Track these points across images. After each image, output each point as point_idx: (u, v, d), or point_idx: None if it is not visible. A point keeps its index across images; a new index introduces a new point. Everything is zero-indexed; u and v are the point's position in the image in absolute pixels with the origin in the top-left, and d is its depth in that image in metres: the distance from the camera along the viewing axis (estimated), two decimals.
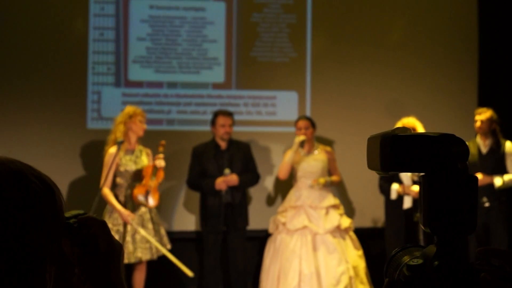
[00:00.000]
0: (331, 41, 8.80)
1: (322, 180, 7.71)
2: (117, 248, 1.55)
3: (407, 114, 7.74)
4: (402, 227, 7.50)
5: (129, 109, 7.36)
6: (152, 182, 7.27)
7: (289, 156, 7.83)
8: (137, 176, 7.31)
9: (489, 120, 7.58)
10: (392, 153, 1.35)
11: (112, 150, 7.21)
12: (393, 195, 7.53)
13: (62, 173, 7.74)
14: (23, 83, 8.22)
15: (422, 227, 1.39)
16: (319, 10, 8.78)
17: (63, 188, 7.67)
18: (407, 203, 7.44)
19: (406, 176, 7.47)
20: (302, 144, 7.78)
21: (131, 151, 7.34)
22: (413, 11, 8.93)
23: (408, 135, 1.36)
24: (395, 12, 8.93)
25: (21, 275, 1.37)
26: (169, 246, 7.44)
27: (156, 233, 7.34)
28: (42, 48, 8.28)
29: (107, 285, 1.53)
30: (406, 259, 1.42)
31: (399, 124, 7.31)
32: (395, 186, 7.51)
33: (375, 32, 8.82)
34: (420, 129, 7.36)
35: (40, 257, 1.39)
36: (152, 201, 7.29)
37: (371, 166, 1.43)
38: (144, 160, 7.37)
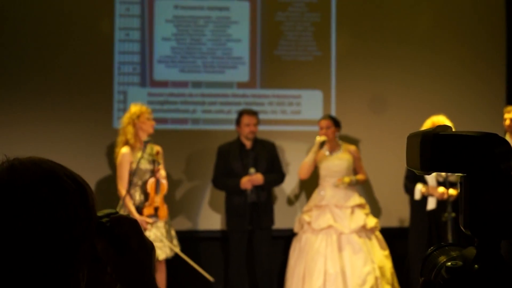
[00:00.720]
0: (355, 39, 8.75)
1: (347, 179, 7.67)
2: (149, 247, 1.57)
3: (433, 112, 7.68)
4: (425, 228, 7.43)
5: (135, 109, 7.32)
6: (157, 197, 7.26)
7: (309, 156, 7.80)
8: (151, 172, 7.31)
9: None
10: (432, 152, 1.32)
11: (124, 150, 7.21)
12: (417, 196, 7.45)
13: (88, 172, 7.75)
14: (51, 83, 8.27)
15: (462, 228, 1.36)
16: (344, 8, 8.74)
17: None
18: (431, 204, 7.36)
19: (430, 177, 7.40)
20: (322, 144, 7.74)
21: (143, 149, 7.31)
22: (439, 7, 8.85)
23: (449, 134, 1.32)
24: (421, 9, 8.86)
25: (55, 274, 1.38)
26: (177, 249, 7.42)
27: (167, 233, 7.33)
28: (68, 48, 8.32)
29: (139, 283, 1.55)
30: (442, 259, 1.39)
31: (428, 122, 7.26)
32: (419, 187, 7.43)
33: (401, 29, 8.77)
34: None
35: (73, 256, 1.40)
36: (160, 219, 7.28)
37: (410, 165, 1.40)
38: (159, 159, 7.34)
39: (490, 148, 1.29)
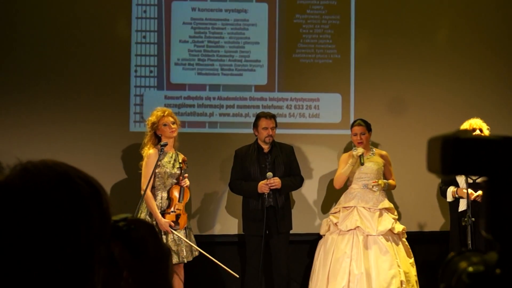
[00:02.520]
0: (375, 41, 8.70)
1: (381, 182, 7.63)
2: (166, 252, 1.56)
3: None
4: (456, 230, 7.41)
5: (152, 118, 7.34)
6: (180, 205, 7.27)
7: (346, 168, 7.71)
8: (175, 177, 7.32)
9: None
10: (454, 156, 1.30)
11: (152, 151, 7.23)
12: (449, 198, 7.44)
13: (104, 175, 7.76)
14: (67, 85, 8.29)
15: (484, 233, 1.34)
16: (363, 11, 8.69)
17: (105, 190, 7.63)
18: (462, 205, 7.34)
19: (461, 179, 7.37)
20: (361, 158, 7.64)
21: (167, 153, 7.34)
22: (460, 9, 8.78)
23: (470, 138, 1.31)
24: (441, 11, 8.78)
25: (70, 278, 1.37)
26: (196, 253, 7.40)
27: (187, 237, 7.33)
28: (85, 50, 8.33)
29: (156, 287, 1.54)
30: (463, 265, 1.37)
31: (465, 125, 7.29)
32: (451, 189, 7.41)
33: (421, 32, 8.70)
34: (486, 131, 7.25)
35: (88, 259, 1.39)
36: (180, 227, 7.28)
37: (431, 168, 1.38)
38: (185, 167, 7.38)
39: (511, 151, 1.28)
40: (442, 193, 7.60)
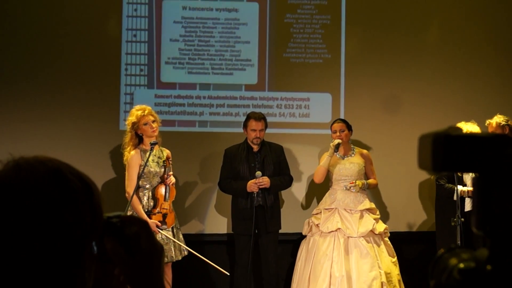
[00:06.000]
0: (365, 42, 8.71)
1: (359, 183, 7.64)
2: (159, 249, 1.57)
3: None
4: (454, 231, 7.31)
5: (132, 117, 7.20)
6: (166, 204, 7.21)
7: (324, 160, 7.74)
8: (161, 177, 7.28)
9: None
10: (445, 152, 1.31)
11: (134, 152, 7.15)
12: (456, 196, 7.27)
13: (93, 174, 7.66)
14: (57, 83, 8.26)
15: (475, 230, 1.35)
16: (353, 10, 8.70)
17: None
18: (468, 205, 7.25)
19: (470, 179, 7.32)
20: (337, 147, 7.69)
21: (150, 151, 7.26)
22: (450, 10, 8.79)
23: (461, 135, 1.32)
24: (432, 10, 8.79)
25: (61, 273, 1.37)
26: (185, 253, 7.37)
27: (175, 237, 7.29)
28: (75, 48, 8.31)
29: (148, 284, 1.54)
30: (453, 261, 1.38)
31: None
32: (460, 187, 7.26)
33: (411, 33, 8.71)
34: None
35: (79, 255, 1.39)
36: (168, 226, 7.22)
37: (422, 165, 1.39)
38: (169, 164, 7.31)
39: (501, 148, 1.29)
40: (445, 190, 7.44)
